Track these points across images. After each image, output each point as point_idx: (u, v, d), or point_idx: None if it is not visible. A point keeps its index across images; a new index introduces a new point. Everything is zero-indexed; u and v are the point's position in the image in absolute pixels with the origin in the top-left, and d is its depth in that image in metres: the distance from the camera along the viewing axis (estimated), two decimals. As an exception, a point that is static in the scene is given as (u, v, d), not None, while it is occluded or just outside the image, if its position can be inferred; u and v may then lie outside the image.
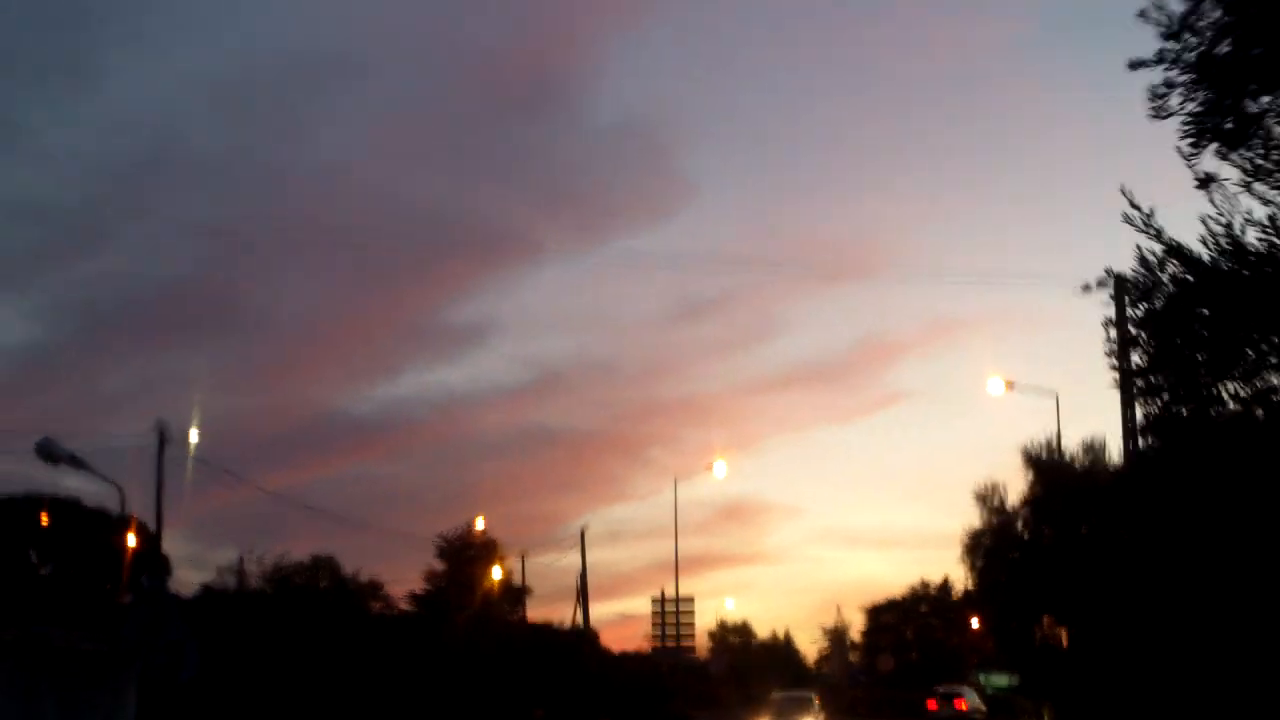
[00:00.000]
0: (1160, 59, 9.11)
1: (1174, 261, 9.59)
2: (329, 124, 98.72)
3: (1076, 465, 35.08)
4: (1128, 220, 9.90)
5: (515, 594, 59.63)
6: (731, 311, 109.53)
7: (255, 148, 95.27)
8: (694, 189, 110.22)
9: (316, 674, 31.98)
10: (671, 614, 57.42)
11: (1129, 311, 10.58)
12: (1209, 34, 8.95)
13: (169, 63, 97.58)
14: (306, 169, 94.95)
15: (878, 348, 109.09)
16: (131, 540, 33.54)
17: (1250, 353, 9.47)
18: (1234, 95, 8.94)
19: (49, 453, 27.02)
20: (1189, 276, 9.57)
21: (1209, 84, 8.99)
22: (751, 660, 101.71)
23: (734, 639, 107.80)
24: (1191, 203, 9.42)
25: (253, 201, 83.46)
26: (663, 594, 58.41)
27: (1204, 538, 12.54)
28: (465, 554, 55.26)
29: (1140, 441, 27.60)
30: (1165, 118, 9.15)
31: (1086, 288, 36.81)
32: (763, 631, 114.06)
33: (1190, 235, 9.52)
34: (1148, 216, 9.80)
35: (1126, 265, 10.21)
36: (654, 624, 58.24)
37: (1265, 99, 8.86)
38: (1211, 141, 9.06)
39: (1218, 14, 8.90)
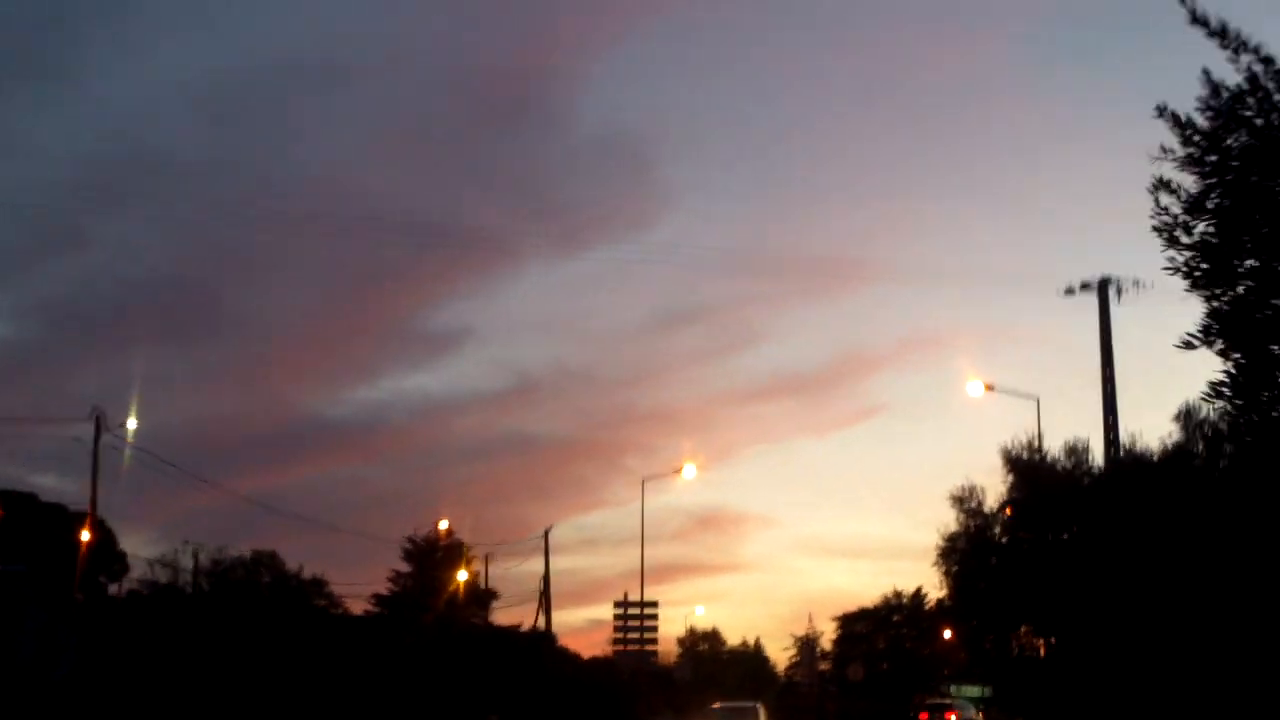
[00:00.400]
0: None
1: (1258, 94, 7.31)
2: (312, 130, 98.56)
3: (1058, 468, 33.71)
4: (1197, 21, 7.75)
5: (482, 597, 58.30)
6: (710, 322, 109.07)
7: (237, 152, 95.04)
8: (675, 200, 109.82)
9: (252, 674, 30.31)
10: (635, 618, 56.23)
11: (1172, 183, 8.46)
12: None
13: (152, 68, 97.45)
14: (289, 174, 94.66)
15: (856, 360, 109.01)
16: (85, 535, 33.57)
17: None
18: None
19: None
20: None
21: None
22: (719, 667, 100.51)
23: (703, 646, 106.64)
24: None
25: (234, 206, 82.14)
26: (625, 597, 57.39)
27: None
28: (432, 556, 53.97)
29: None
30: None
31: (1070, 291, 34.99)
32: (734, 639, 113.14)
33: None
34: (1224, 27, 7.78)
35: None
36: (616, 628, 57.11)
37: None
38: None
39: None
